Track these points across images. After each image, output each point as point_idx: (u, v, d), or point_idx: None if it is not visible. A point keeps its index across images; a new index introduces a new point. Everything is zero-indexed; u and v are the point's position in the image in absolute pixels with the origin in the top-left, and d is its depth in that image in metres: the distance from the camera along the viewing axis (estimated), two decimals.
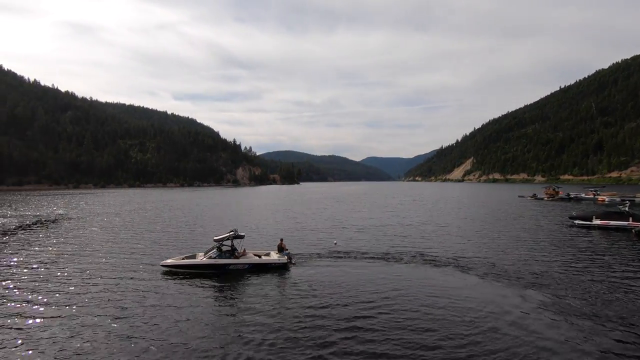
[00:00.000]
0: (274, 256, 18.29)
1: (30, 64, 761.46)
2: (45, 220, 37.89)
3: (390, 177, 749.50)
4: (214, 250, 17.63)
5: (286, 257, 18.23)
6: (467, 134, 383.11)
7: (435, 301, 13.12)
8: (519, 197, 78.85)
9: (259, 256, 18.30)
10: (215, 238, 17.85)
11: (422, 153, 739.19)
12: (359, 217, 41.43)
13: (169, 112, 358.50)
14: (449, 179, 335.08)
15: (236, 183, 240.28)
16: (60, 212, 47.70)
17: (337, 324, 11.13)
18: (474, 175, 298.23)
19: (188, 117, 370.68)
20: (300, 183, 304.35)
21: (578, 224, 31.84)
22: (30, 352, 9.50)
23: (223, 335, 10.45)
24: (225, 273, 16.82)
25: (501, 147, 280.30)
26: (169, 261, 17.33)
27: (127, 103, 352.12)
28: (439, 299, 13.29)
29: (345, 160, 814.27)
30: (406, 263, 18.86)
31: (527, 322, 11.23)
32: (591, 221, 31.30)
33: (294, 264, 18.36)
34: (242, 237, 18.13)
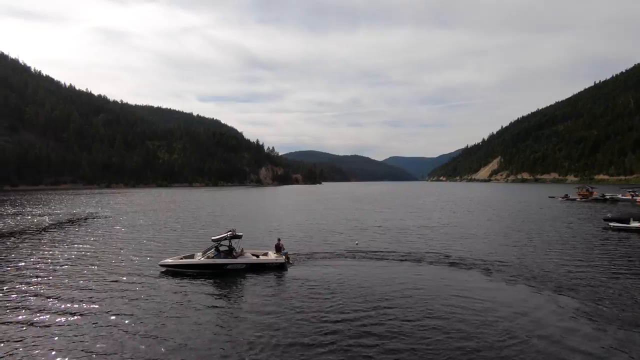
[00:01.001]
0: (272, 256, 18.34)
1: (66, 70, 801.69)
2: (76, 219, 39.71)
3: (414, 177, 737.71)
4: (212, 250, 17.77)
5: (284, 256, 18.27)
6: (494, 132, 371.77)
7: (455, 304, 12.77)
8: (550, 197, 75.66)
9: (257, 256, 18.36)
10: (214, 238, 18.05)
11: (447, 152, 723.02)
12: (380, 217, 41.02)
13: (195, 114, 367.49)
14: (474, 179, 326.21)
15: (259, 183, 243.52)
16: (91, 210, 49.91)
17: (333, 326, 11.04)
18: (501, 175, 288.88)
19: (213, 119, 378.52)
20: (322, 183, 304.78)
21: (613, 226, 30.20)
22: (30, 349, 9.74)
23: (219, 336, 10.45)
24: (224, 273, 16.85)
25: (530, 146, 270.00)
26: (168, 261, 17.45)
27: (155, 105, 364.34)
28: (460, 302, 12.93)
29: (367, 160, 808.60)
30: (428, 264, 18.48)
31: (558, 330, 10.75)
32: (628, 223, 29.60)
33: (291, 263, 18.36)
34: (239, 237, 18.21)
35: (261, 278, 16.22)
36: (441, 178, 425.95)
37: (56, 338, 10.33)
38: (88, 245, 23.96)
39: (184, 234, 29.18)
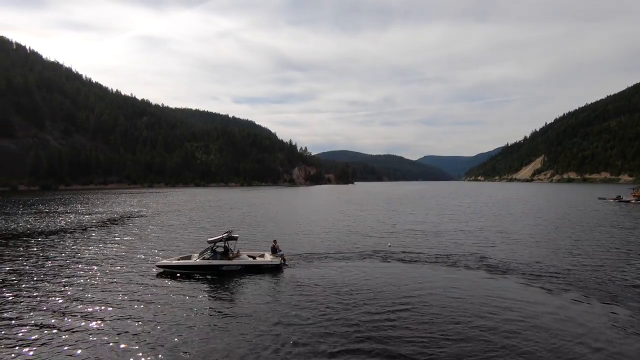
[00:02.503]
0: (268, 258, 18.28)
1: (113, 76, 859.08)
2: (116, 218, 42.04)
3: (450, 177, 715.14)
4: (208, 251, 17.92)
5: (280, 258, 18.19)
6: (537, 129, 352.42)
7: (487, 312, 12.17)
8: (600, 199, 70.35)
9: (254, 257, 18.38)
10: (209, 239, 18.26)
11: (485, 151, 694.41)
12: (414, 219, 40.07)
13: (230, 115, 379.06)
14: (515, 179, 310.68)
15: (292, 183, 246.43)
16: (131, 209, 52.68)
17: (326, 330, 10.89)
18: (544, 175, 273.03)
19: (247, 120, 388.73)
20: (355, 183, 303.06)
21: None
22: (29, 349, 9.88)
23: (211, 338, 10.46)
24: (219, 274, 16.92)
25: (578, 144, 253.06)
26: (164, 262, 17.66)
27: (193, 108, 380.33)
28: (496, 309, 12.31)
29: (401, 160, 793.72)
30: (464, 268, 17.75)
31: (612, 346, 9.95)
32: None
33: (287, 265, 18.27)
34: (235, 238, 18.23)
35: (255, 280, 16.20)
36: (479, 178, 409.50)
37: (64, 336, 10.54)
38: (118, 245, 24.40)
39: (214, 233, 29.70)
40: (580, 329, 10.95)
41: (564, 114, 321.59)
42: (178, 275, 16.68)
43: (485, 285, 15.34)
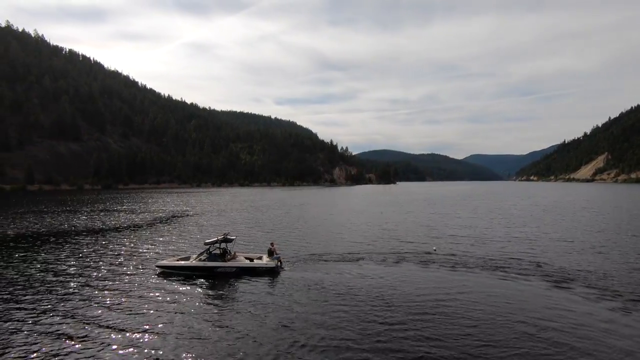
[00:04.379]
0: (264, 260, 18.19)
1: (164, 81, 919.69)
2: (164, 217, 44.54)
3: (499, 177, 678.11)
4: (204, 253, 18.12)
5: (276, 261, 18.00)
6: (599, 125, 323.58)
7: (538, 322, 11.25)
8: None
9: (251, 259, 18.34)
10: (206, 241, 18.50)
11: (538, 149, 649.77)
12: (460, 223, 38.35)
13: (273, 117, 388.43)
14: (573, 179, 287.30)
15: (333, 182, 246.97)
16: (179, 208, 55.64)
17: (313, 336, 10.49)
18: (608, 174, 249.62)
19: (289, 120, 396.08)
20: (397, 183, 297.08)
21: None
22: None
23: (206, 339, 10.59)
24: (214, 276, 17.01)
25: None
26: (164, 262, 18.11)
27: (238, 110, 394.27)
28: (544, 321, 11.36)
29: (445, 159, 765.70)
30: (516, 275, 16.65)
31: None
32: None
33: (283, 268, 18.04)
34: (230, 240, 18.34)
35: (249, 282, 16.23)
36: (532, 177, 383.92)
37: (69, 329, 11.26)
38: (154, 245, 25.26)
39: (250, 233, 30.32)
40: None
41: (631, 107, 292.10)
42: (175, 275, 17.03)
43: (542, 296, 14.26)
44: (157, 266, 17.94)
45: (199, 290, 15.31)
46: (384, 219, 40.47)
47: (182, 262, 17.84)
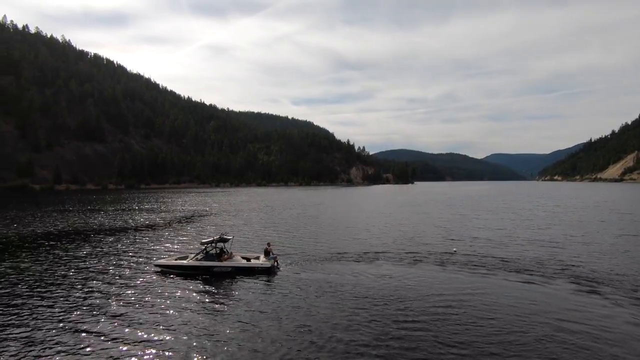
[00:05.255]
0: (261, 260, 18.16)
1: (183, 83, 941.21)
2: (184, 216, 45.34)
3: (521, 176, 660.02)
4: (201, 253, 18.18)
5: (272, 261, 17.92)
6: (628, 122, 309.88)
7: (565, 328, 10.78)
8: None
9: (248, 259, 18.38)
10: (202, 241, 18.59)
11: (563, 148, 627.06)
12: (480, 225, 37.45)
13: (289, 117, 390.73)
14: (600, 179, 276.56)
15: (350, 182, 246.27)
16: (198, 208, 56.63)
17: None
18: (638, 174, 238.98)
19: (305, 120, 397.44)
20: (415, 182, 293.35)
21: None
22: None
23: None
24: (210, 275, 17.05)
25: None
26: (162, 261, 18.30)
27: (255, 111, 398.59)
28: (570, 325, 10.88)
29: (464, 158, 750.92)
30: (541, 279, 16.09)
31: None
32: None
33: (279, 268, 17.95)
34: (226, 240, 18.42)
35: (245, 282, 16.23)
36: (556, 177, 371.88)
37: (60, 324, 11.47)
38: (167, 245, 25.72)
39: (266, 233, 30.45)
40: None
41: None
42: (172, 275, 17.15)
43: (567, 299, 13.70)
44: (155, 265, 18.18)
45: (193, 289, 15.32)
46: (399, 219, 39.99)
47: (179, 261, 18.05)
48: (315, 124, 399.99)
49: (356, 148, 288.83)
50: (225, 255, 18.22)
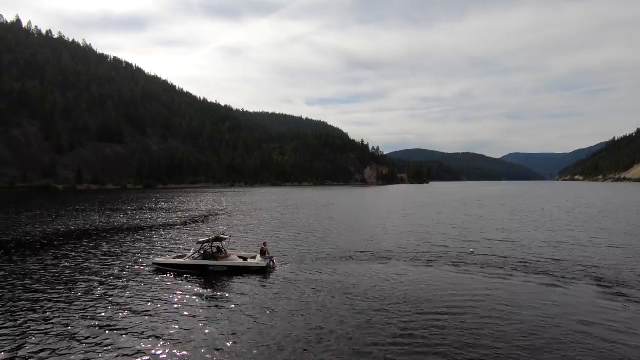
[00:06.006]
0: (257, 260, 18.13)
1: (199, 85, 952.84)
2: (200, 216, 45.89)
3: (540, 176, 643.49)
4: (198, 251, 18.24)
5: (268, 261, 17.87)
6: None
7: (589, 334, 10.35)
8: None
9: (244, 259, 18.37)
10: (199, 240, 18.72)
11: (584, 147, 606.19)
12: (496, 226, 36.63)
13: (304, 117, 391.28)
14: (625, 178, 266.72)
15: (364, 182, 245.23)
16: (213, 207, 57.31)
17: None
18: None
19: (319, 121, 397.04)
20: (430, 183, 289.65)
21: None
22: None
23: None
24: (206, 274, 17.08)
25: None
26: (160, 259, 18.48)
27: (270, 111, 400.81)
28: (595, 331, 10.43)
29: (481, 158, 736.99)
30: (564, 281, 15.57)
31: None
32: None
33: (274, 268, 17.85)
34: (223, 239, 18.53)
35: (241, 281, 16.19)
36: (577, 177, 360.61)
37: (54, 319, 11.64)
38: (179, 243, 25.53)
39: (277, 234, 30.31)
40: None
41: None
42: (169, 273, 17.23)
43: (590, 303, 13.20)
44: (153, 263, 18.38)
45: (188, 287, 15.37)
46: (413, 220, 39.48)
47: (177, 260, 18.28)
48: (329, 124, 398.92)
49: (370, 148, 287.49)
50: (222, 255, 18.36)
